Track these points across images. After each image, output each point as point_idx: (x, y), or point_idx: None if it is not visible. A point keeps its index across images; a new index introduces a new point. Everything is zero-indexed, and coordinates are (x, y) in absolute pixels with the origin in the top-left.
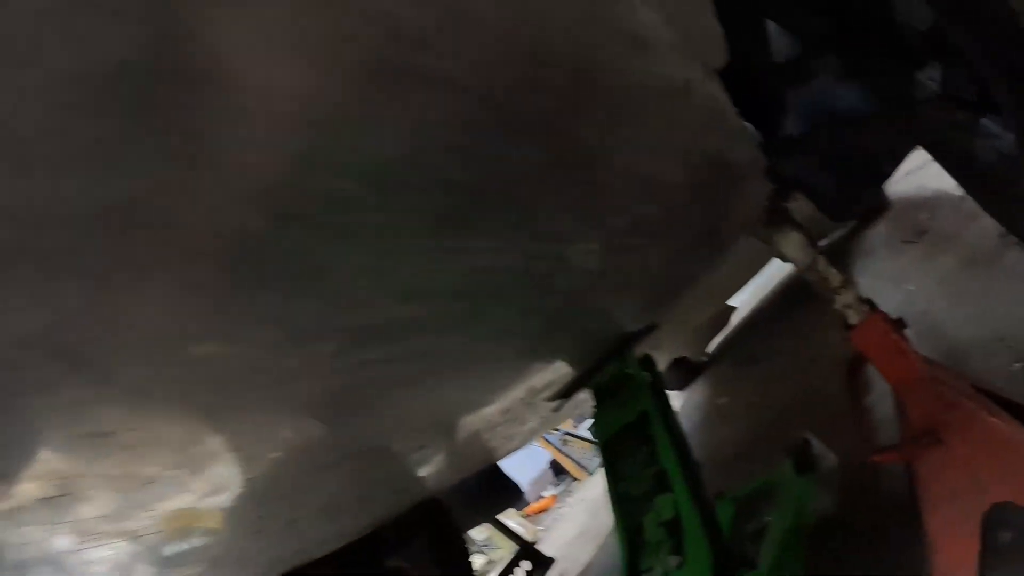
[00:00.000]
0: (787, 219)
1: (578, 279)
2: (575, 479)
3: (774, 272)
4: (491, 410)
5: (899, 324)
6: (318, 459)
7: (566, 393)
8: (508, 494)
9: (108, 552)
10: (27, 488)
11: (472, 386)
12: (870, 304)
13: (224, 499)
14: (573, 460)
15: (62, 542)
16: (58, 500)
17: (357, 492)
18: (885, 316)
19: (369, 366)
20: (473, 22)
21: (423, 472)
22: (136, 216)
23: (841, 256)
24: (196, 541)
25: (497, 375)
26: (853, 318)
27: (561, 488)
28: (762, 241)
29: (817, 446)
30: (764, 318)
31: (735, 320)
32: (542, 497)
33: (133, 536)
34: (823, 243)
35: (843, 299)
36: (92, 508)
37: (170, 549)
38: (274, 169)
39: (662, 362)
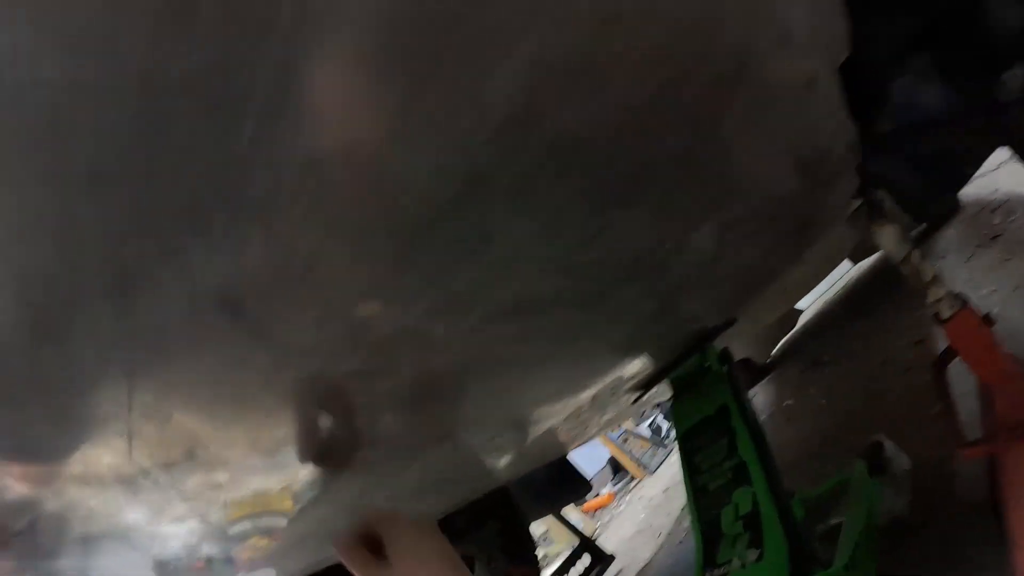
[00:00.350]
0: (883, 212)
1: (690, 266)
2: (634, 477)
3: (839, 277)
4: (584, 396)
5: (988, 320)
6: (406, 441)
7: (647, 385)
8: (576, 487)
9: (179, 529)
10: (102, 459)
11: (576, 371)
12: (962, 300)
13: (299, 482)
14: (633, 458)
15: (133, 517)
16: (138, 474)
17: (433, 478)
18: (976, 311)
19: (498, 343)
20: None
21: (498, 461)
22: (334, 174)
23: None
24: (265, 521)
25: (601, 361)
26: (946, 312)
27: (619, 486)
28: (857, 233)
29: (890, 448)
30: (830, 322)
31: (800, 323)
32: (599, 494)
33: (205, 515)
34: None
35: (935, 293)
36: (173, 484)
37: (236, 528)
38: (485, 130)
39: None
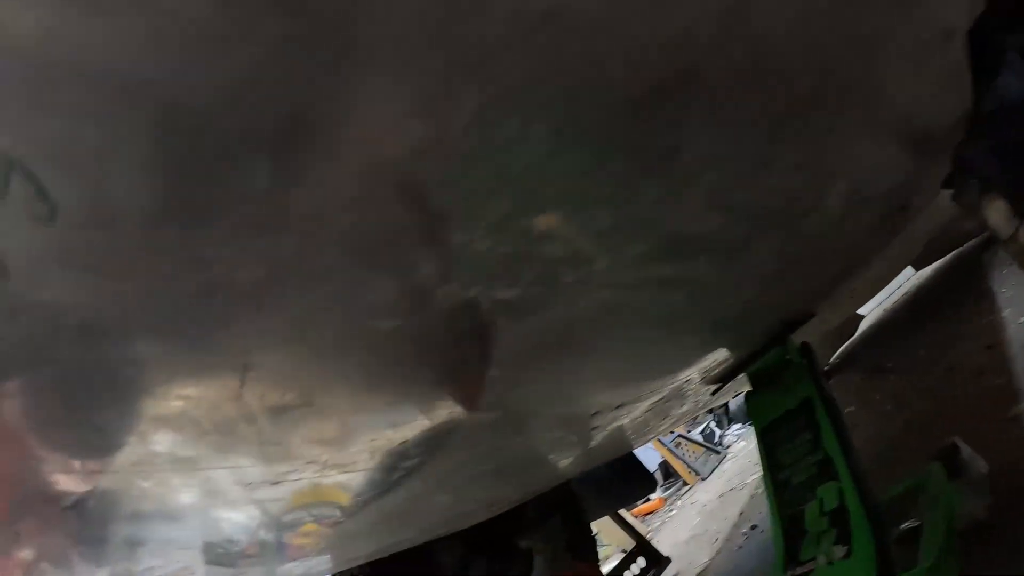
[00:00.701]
0: (990, 188)
1: (812, 229)
2: (685, 483)
3: (901, 283)
4: (669, 383)
5: None
6: (518, 405)
7: (726, 377)
8: (642, 483)
9: (234, 514)
10: (162, 439)
11: (672, 352)
12: None
13: (356, 477)
14: (685, 463)
15: (187, 499)
16: (196, 457)
17: (508, 462)
18: None
19: (643, 288)
20: None
21: (573, 450)
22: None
23: (977, 266)
24: (320, 511)
25: (697, 348)
26: None
27: (670, 491)
28: (963, 210)
29: (966, 451)
30: (892, 329)
31: (860, 329)
32: (649, 499)
33: (262, 503)
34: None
35: None
36: (232, 469)
37: (291, 516)
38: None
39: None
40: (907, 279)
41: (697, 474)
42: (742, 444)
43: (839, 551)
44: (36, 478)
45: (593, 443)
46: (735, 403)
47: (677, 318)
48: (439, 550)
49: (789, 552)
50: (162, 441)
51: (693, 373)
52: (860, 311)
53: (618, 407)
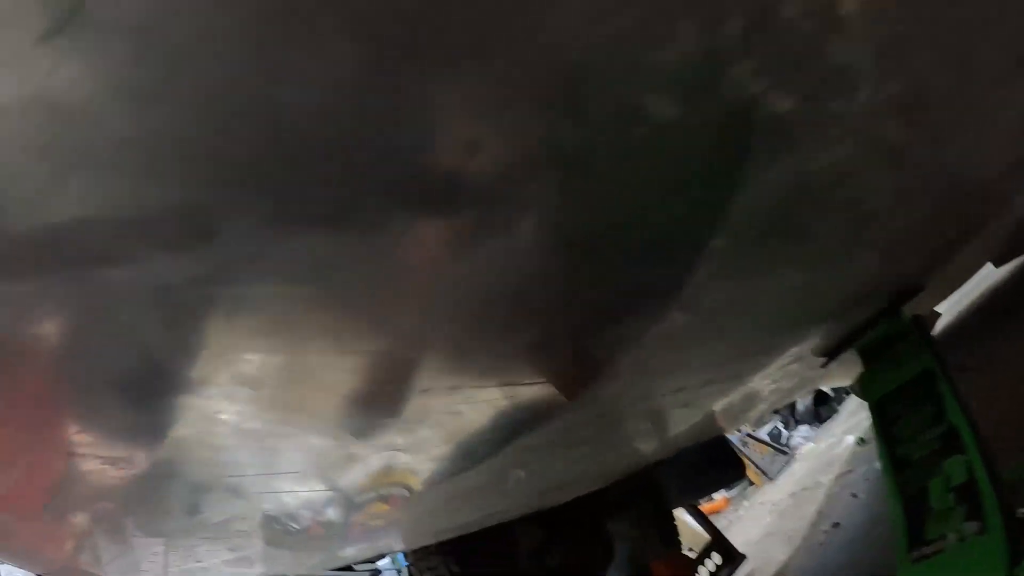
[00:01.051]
0: None
1: (945, 190)
2: (751, 483)
3: (978, 281)
4: (775, 360)
5: None
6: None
7: (834, 351)
8: (731, 469)
9: (299, 488)
10: (228, 408)
11: (785, 325)
12: None
13: (429, 457)
14: (752, 463)
15: (251, 471)
16: (262, 430)
17: (577, 451)
18: None
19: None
20: None
21: (651, 437)
22: None
23: None
24: (390, 490)
25: (811, 323)
26: None
27: (735, 492)
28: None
29: None
30: (971, 327)
31: (939, 326)
32: (713, 499)
33: (333, 481)
34: None
35: None
36: (298, 444)
37: (362, 497)
38: None
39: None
40: (984, 277)
41: (765, 474)
42: (810, 446)
43: (971, 527)
44: (94, 444)
45: (683, 425)
46: (802, 404)
47: (798, 293)
48: (519, 533)
49: (912, 532)
50: (228, 411)
51: (804, 348)
52: (937, 308)
53: (706, 384)
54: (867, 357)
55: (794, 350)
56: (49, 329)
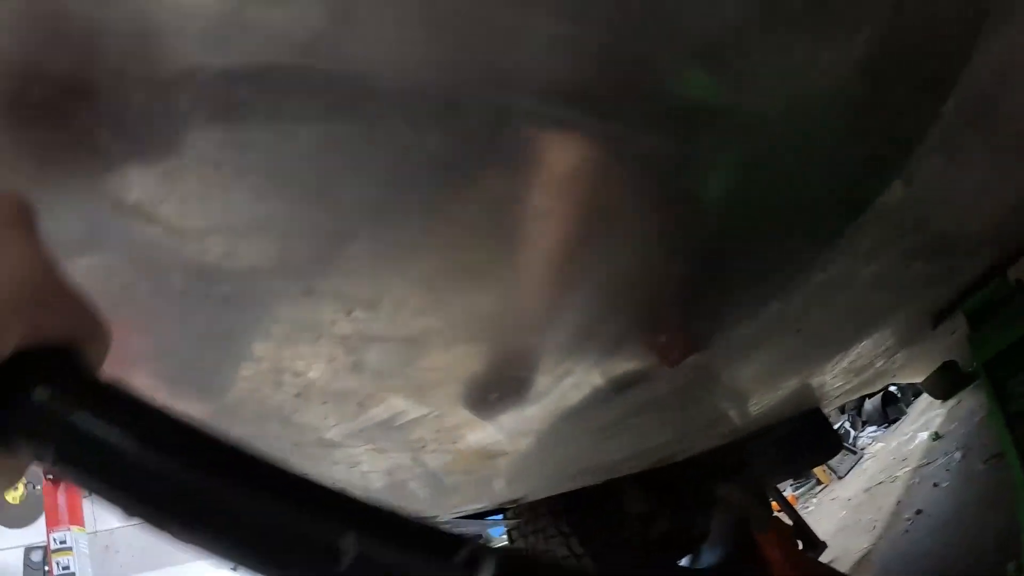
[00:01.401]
0: None
1: None
2: (819, 482)
3: None
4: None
5: None
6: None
7: (944, 313)
8: (829, 445)
9: (379, 458)
10: (323, 375)
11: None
12: None
13: (527, 442)
14: None
15: (332, 436)
16: (353, 393)
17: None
18: None
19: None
20: None
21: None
22: None
23: None
24: (481, 472)
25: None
26: None
27: (802, 490)
28: None
29: None
30: None
31: None
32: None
33: (417, 452)
34: None
35: None
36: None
37: (451, 479)
38: None
39: (927, 368)
40: None
41: (833, 472)
42: (880, 445)
43: None
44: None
45: (780, 397)
46: (870, 404)
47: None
48: (626, 500)
49: None
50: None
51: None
52: None
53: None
54: (974, 320)
55: (900, 316)
56: None
